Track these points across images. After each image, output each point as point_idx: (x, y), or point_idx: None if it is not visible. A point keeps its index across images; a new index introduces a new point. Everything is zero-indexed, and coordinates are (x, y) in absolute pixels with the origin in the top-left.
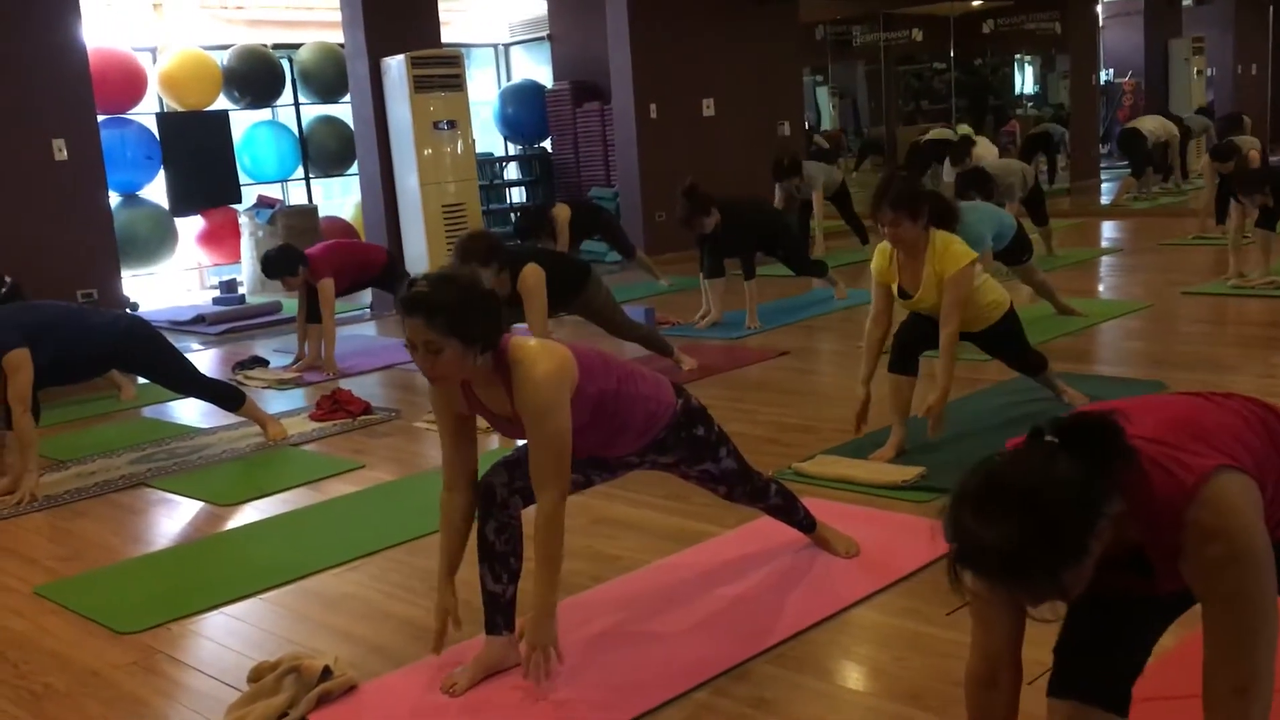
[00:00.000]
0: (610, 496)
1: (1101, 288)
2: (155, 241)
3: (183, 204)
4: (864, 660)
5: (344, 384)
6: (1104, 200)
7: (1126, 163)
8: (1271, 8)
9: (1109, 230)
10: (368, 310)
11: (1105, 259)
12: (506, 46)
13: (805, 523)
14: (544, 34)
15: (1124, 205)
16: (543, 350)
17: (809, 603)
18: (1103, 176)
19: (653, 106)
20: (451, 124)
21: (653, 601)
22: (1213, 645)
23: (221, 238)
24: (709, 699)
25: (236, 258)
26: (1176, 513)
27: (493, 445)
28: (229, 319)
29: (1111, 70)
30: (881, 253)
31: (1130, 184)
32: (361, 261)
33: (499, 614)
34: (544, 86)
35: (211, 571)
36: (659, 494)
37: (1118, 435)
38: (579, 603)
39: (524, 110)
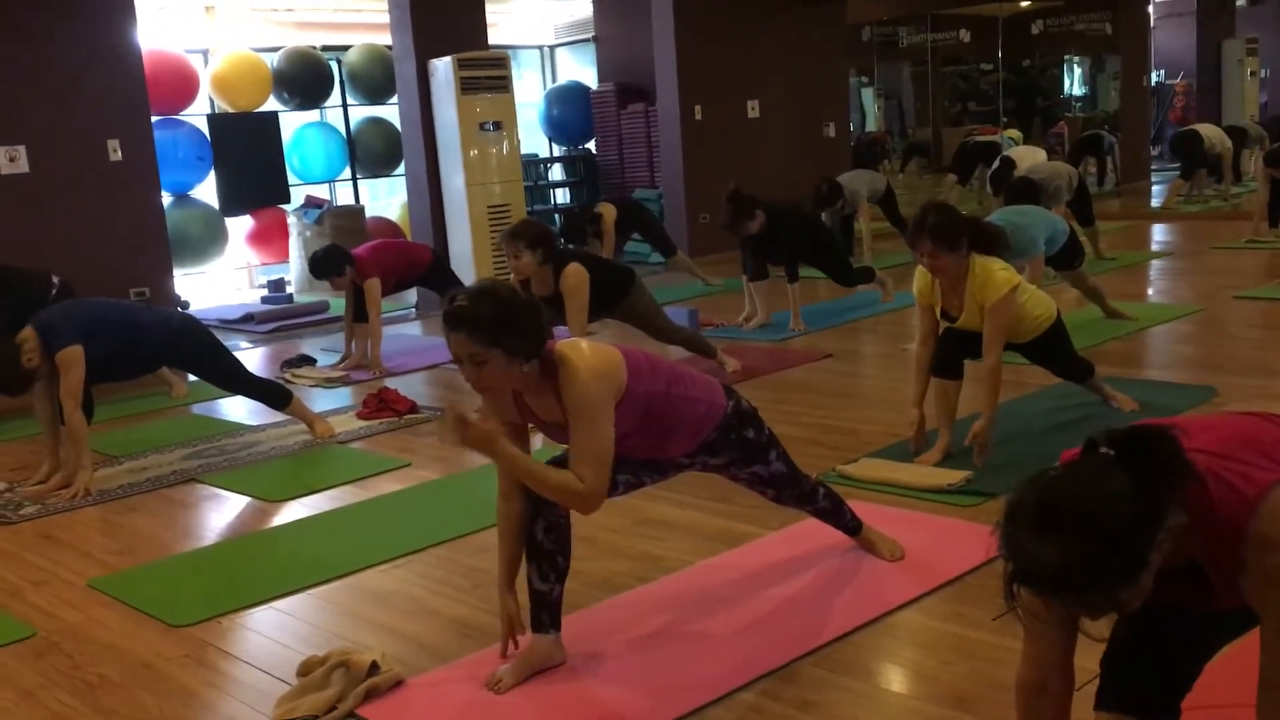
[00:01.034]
0: (655, 498)
1: (1151, 291)
2: (206, 241)
3: (233, 204)
4: (909, 664)
5: (390, 383)
6: (1154, 203)
7: (1176, 165)
8: None
9: (1159, 233)
10: (413, 310)
11: (1155, 262)
12: (552, 48)
13: (851, 525)
14: (589, 35)
15: (1174, 208)
16: (591, 350)
17: (854, 605)
18: (1153, 179)
19: (697, 108)
20: (497, 125)
21: (697, 602)
22: (1271, 660)
23: (270, 237)
24: (755, 700)
25: (285, 257)
26: (1237, 526)
27: (536, 445)
28: (277, 318)
29: (1163, 71)
30: (922, 274)
31: (1179, 186)
32: (407, 261)
33: (545, 612)
34: (589, 88)
35: (260, 566)
36: (704, 495)
37: (1175, 448)
38: (623, 602)
39: (569, 111)
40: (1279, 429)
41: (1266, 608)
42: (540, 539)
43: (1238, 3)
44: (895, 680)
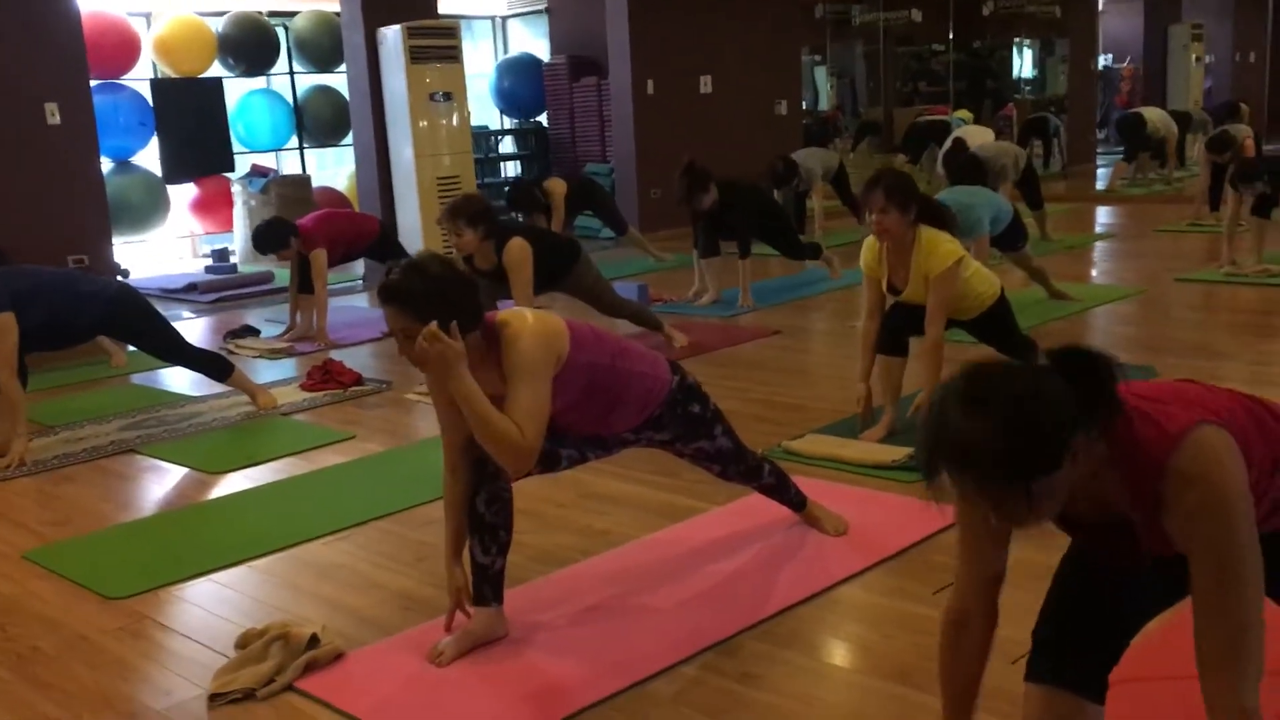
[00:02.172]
0: (599, 472)
1: (1095, 273)
2: (147, 209)
3: (175, 171)
4: (851, 637)
5: (335, 355)
6: (1099, 185)
7: (1121, 149)
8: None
9: (1103, 215)
10: (360, 282)
11: (1099, 244)
12: (504, 19)
13: (796, 501)
14: (542, 7)
15: (1118, 191)
16: (534, 316)
17: (797, 579)
18: (1099, 162)
19: (650, 83)
20: (447, 96)
21: (641, 576)
22: (1200, 600)
23: (214, 206)
24: (697, 673)
25: (229, 226)
26: (1158, 461)
27: None
28: (221, 288)
29: (1110, 55)
30: (869, 247)
31: (1122, 168)
32: (354, 232)
33: (487, 585)
34: (541, 60)
35: (200, 539)
36: (649, 470)
37: (1109, 368)
38: (566, 576)
39: (520, 84)
40: (1208, 390)
41: (1190, 547)
42: (482, 512)
43: None
44: (837, 654)
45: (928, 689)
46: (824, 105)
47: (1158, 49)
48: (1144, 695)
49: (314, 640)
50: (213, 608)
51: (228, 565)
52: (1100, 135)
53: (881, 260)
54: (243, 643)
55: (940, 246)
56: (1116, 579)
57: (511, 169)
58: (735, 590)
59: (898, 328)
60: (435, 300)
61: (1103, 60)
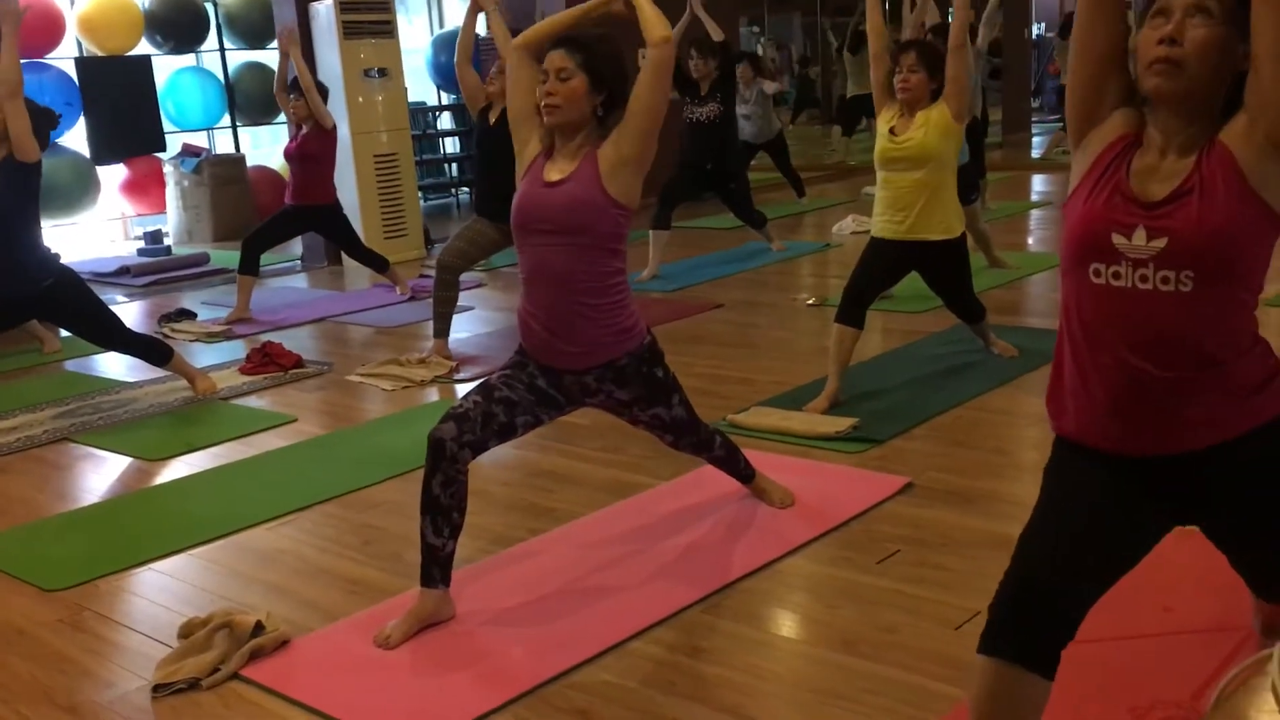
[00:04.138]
0: (546, 449)
1: (1031, 240)
2: (76, 191)
3: (104, 152)
4: (797, 608)
5: (275, 337)
6: (1034, 154)
7: (1057, 117)
8: None
9: (1039, 184)
10: (299, 262)
11: (1035, 212)
12: None
13: (745, 473)
14: None
15: (1053, 158)
16: None
17: (744, 552)
18: (1033, 130)
19: None
20: (383, 72)
21: (588, 553)
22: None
23: (145, 187)
24: (644, 648)
25: (162, 208)
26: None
27: (432, 398)
28: (154, 271)
29: (1043, 25)
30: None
31: (1060, 137)
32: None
33: (436, 567)
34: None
35: (140, 527)
36: (595, 446)
37: None
38: (514, 555)
39: None
40: None
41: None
42: (438, 494)
43: None
44: (784, 625)
45: (872, 658)
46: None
47: None
48: (1097, 656)
49: (259, 627)
50: (154, 597)
51: (169, 554)
52: (1035, 104)
53: (893, 109)
54: (186, 632)
55: (946, 113)
56: (1080, 544)
57: (450, 145)
58: (683, 565)
59: (859, 294)
60: (610, 60)
61: (1036, 29)
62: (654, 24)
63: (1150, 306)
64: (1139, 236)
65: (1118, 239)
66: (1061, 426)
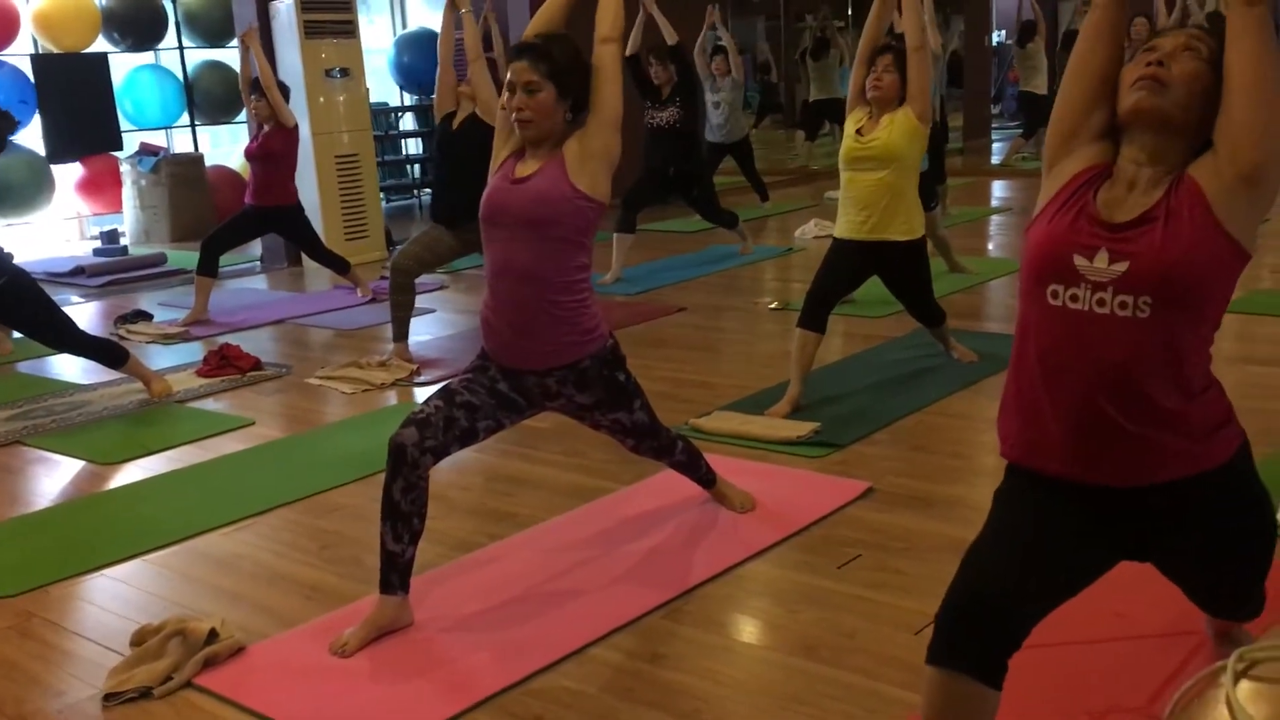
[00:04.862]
0: (506, 454)
1: (991, 246)
2: (30, 189)
3: (60, 150)
4: (758, 613)
5: (233, 339)
6: (995, 160)
7: (1017, 123)
8: None
9: (999, 189)
10: (258, 263)
11: (995, 218)
12: None
13: (706, 478)
14: None
15: (1014, 165)
16: None
17: (705, 558)
18: (994, 136)
19: None
20: (344, 72)
21: (549, 559)
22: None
23: (102, 186)
24: (604, 654)
25: (118, 207)
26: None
27: (392, 401)
28: (110, 271)
29: (1004, 31)
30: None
31: (1020, 144)
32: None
33: (395, 573)
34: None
35: (92, 532)
36: (556, 450)
37: None
38: (474, 561)
39: (421, 59)
40: None
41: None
42: (398, 499)
43: None
44: (745, 630)
45: (832, 663)
46: None
47: (1049, 26)
48: (1035, 662)
49: (213, 635)
50: (106, 604)
51: (121, 560)
52: (995, 110)
53: (864, 113)
54: (138, 640)
55: (911, 116)
56: (1027, 568)
57: (413, 146)
58: (644, 570)
59: (822, 299)
60: (573, 67)
61: (996, 36)
62: (602, 20)
63: (1106, 331)
64: (1100, 259)
65: (1079, 260)
66: (1012, 452)
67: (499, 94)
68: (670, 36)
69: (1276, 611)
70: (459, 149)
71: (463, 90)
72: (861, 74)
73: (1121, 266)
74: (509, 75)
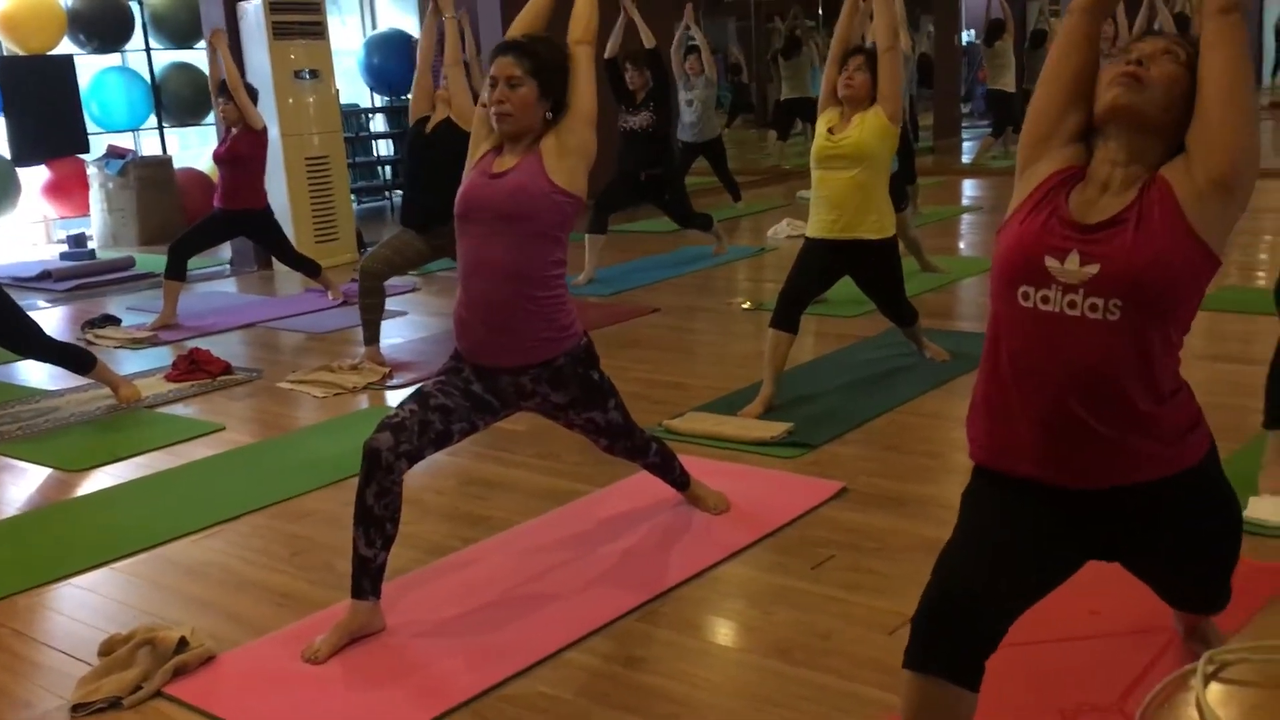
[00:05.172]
0: (480, 456)
1: (962, 245)
2: None
3: (26, 153)
4: (733, 615)
5: (203, 343)
6: (965, 159)
7: (987, 122)
8: None
9: (969, 188)
10: (228, 266)
11: (966, 216)
12: None
13: (680, 480)
14: None
15: (984, 164)
16: None
17: (679, 559)
18: (964, 135)
19: None
20: (314, 73)
21: (523, 563)
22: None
23: (69, 189)
24: (580, 658)
25: (85, 210)
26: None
27: (364, 405)
28: (77, 275)
29: (973, 31)
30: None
31: (989, 143)
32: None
33: (367, 579)
34: (412, 36)
35: (60, 540)
36: (530, 453)
37: None
38: (448, 564)
39: (391, 60)
40: None
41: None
42: (371, 504)
43: None
44: (720, 633)
45: (808, 664)
46: None
47: (1018, 25)
48: (1008, 660)
49: (183, 644)
50: (74, 613)
51: (89, 568)
52: (965, 109)
53: (836, 112)
54: (107, 649)
55: (882, 116)
56: (998, 570)
57: (384, 148)
58: (619, 573)
59: (794, 299)
60: (557, 66)
61: (966, 36)
62: (576, 23)
63: (1076, 333)
64: (1072, 261)
65: (1050, 262)
66: (981, 454)
67: (475, 101)
68: (648, 40)
69: (1246, 611)
70: (432, 153)
71: (439, 95)
72: (834, 73)
73: (1093, 269)
74: (492, 70)
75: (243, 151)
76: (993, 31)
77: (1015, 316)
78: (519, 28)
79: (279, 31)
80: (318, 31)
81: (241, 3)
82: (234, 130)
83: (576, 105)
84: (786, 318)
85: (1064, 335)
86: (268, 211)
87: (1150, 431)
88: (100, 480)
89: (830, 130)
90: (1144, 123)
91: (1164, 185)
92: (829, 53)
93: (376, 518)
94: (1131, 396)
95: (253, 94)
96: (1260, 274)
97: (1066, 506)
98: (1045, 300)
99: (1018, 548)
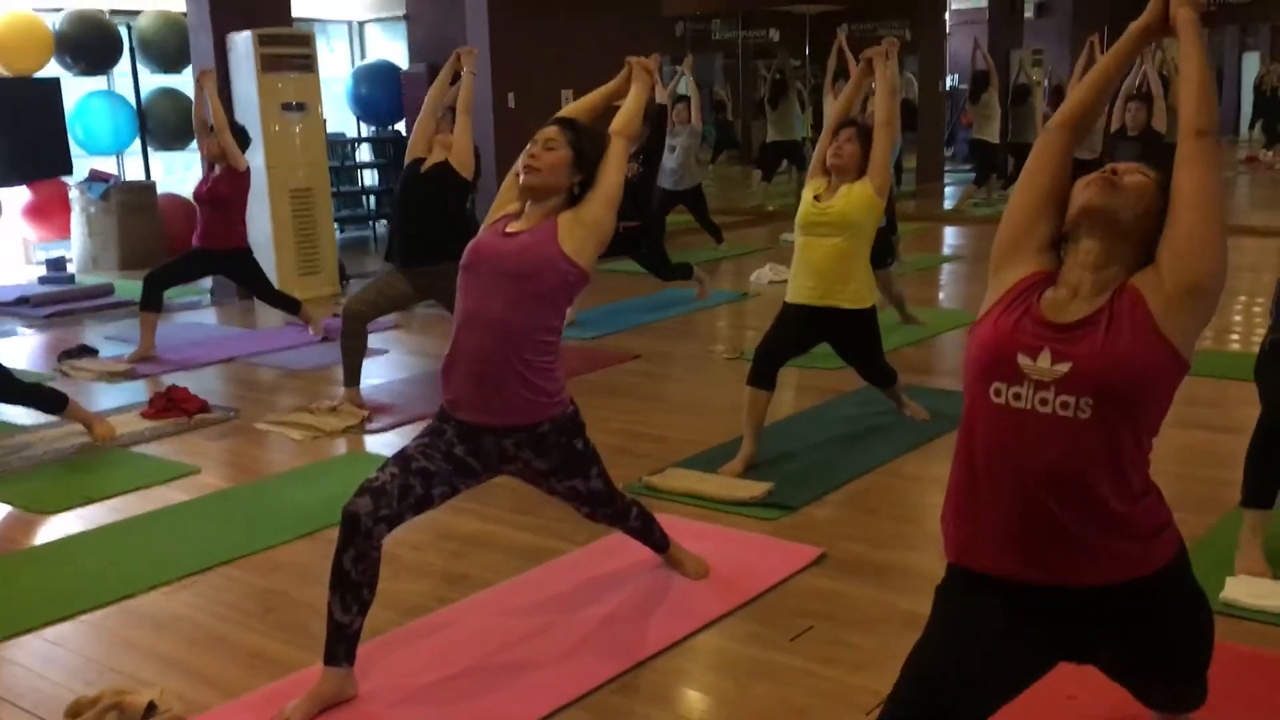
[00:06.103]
0: (460, 510)
1: (942, 296)
2: None
3: (7, 174)
4: (709, 689)
5: (181, 377)
6: (947, 204)
7: (969, 167)
8: (1106, 27)
9: (951, 236)
10: (209, 295)
11: (947, 266)
12: (361, 24)
13: (659, 543)
14: (400, 14)
15: (966, 211)
16: None
17: (657, 628)
18: (946, 180)
19: (511, 96)
20: (301, 106)
21: (499, 626)
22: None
23: (50, 212)
24: None
25: (66, 233)
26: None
27: (340, 450)
28: (56, 300)
29: (956, 76)
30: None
31: (972, 190)
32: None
33: (341, 644)
34: (399, 67)
35: (25, 589)
36: (509, 508)
37: None
38: (423, 626)
39: (378, 91)
40: None
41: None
42: (348, 569)
43: (1025, 14)
44: (696, 707)
45: None
46: None
47: (1001, 72)
48: None
49: (151, 708)
50: (39, 668)
51: (56, 620)
52: (947, 154)
53: (824, 179)
54: (73, 712)
55: (868, 188)
56: (969, 672)
57: (369, 177)
58: (596, 641)
59: (770, 357)
60: (594, 145)
61: (950, 80)
62: (622, 115)
63: (1048, 431)
64: (1044, 359)
65: (1023, 359)
66: (955, 552)
67: (474, 153)
68: (659, 95)
69: (1223, 697)
70: (423, 191)
71: (439, 140)
72: (826, 143)
73: (1064, 367)
74: (536, 136)
75: (224, 193)
76: (977, 85)
77: (988, 413)
78: (570, 112)
79: (268, 65)
80: (307, 64)
81: (231, 34)
82: (216, 168)
83: (601, 185)
84: (762, 376)
85: (1035, 432)
86: (247, 251)
87: (1122, 531)
88: (71, 524)
89: (816, 198)
90: (1117, 225)
91: (1134, 292)
92: (825, 123)
93: (353, 583)
94: (1103, 495)
95: (244, 138)
96: (1234, 336)
97: (1038, 606)
98: (1017, 397)
99: (989, 648)
